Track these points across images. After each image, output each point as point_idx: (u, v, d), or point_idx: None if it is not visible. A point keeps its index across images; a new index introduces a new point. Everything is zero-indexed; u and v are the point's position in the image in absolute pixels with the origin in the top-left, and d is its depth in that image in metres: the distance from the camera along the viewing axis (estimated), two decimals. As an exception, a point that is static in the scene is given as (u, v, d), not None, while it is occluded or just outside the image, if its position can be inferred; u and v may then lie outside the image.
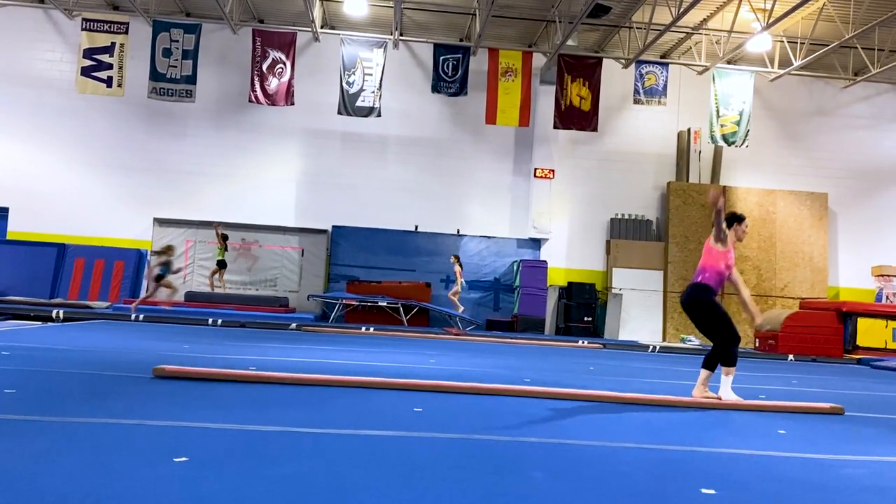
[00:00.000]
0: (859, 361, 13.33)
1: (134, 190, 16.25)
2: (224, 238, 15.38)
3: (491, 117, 15.84)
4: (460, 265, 15.22)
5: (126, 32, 15.38)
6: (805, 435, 4.84)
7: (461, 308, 15.20)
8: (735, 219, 6.11)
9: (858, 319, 14.20)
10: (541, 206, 16.73)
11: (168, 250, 13.56)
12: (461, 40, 16.80)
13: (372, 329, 13.27)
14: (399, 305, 15.11)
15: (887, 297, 16.42)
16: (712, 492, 3.10)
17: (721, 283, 5.95)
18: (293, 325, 12.87)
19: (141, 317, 12.41)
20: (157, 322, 12.27)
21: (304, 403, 4.80)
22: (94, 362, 6.35)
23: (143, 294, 15.48)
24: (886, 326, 14.26)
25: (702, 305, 5.93)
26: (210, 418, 4.08)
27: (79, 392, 4.76)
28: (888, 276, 16.68)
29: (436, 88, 15.79)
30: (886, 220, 17.61)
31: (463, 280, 15.27)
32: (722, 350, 5.90)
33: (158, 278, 13.30)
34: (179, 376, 5.55)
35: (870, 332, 14.17)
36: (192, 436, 3.62)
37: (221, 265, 15.36)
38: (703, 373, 6.01)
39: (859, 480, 3.58)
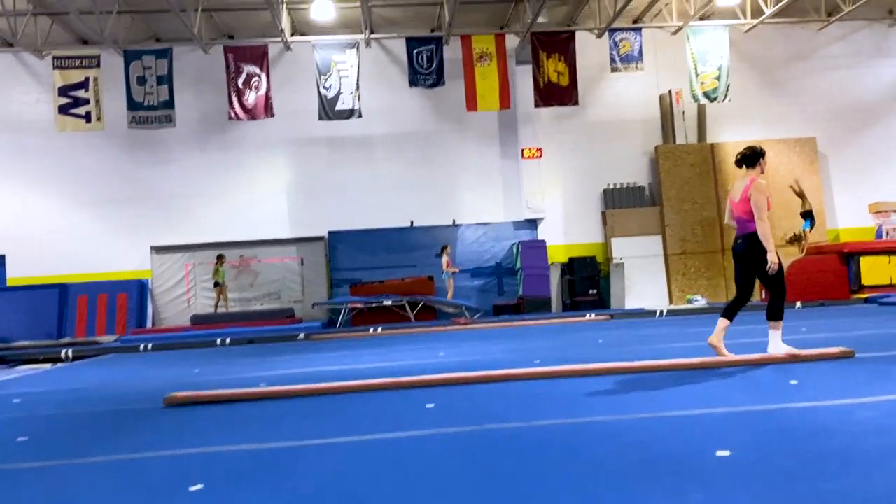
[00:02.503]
0: (866, 300, 13.34)
1: (127, 221, 16.23)
2: (218, 259, 15.38)
3: (472, 104, 15.79)
4: (447, 255, 15.01)
5: (98, 66, 15.31)
6: (817, 383, 4.85)
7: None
8: (760, 155, 6.04)
9: (861, 259, 14.19)
10: (532, 185, 16.70)
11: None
12: (432, 31, 16.72)
13: (380, 329, 13.27)
14: (404, 302, 15.11)
15: (887, 233, 16.40)
16: (727, 453, 3.11)
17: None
18: (301, 336, 12.87)
19: (150, 346, 12.44)
20: (166, 349, 12.29)
21: (316, 414, 4.82)
22: (105, 398, 6.36)
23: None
24: (890, 262, 14.25)
25: (761, 255, 5.83)
26: (223, 441, 4.09)
27: (91, 431, 4.76)
28: (886, 211, 16.65)
29: (413, 82, 15.73)
30: (877, 157, 17.52)
31: (452, 271, 14.99)
32: (775, 303, 5.96)
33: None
34: (190, 402, 5.56)
35: (873, 270, 14.16)
36: (206, 462, 3.63)
37: (216, 285, 15.34)
38: (722, 322, 5.99)
39: (873, 422, 3.58)
